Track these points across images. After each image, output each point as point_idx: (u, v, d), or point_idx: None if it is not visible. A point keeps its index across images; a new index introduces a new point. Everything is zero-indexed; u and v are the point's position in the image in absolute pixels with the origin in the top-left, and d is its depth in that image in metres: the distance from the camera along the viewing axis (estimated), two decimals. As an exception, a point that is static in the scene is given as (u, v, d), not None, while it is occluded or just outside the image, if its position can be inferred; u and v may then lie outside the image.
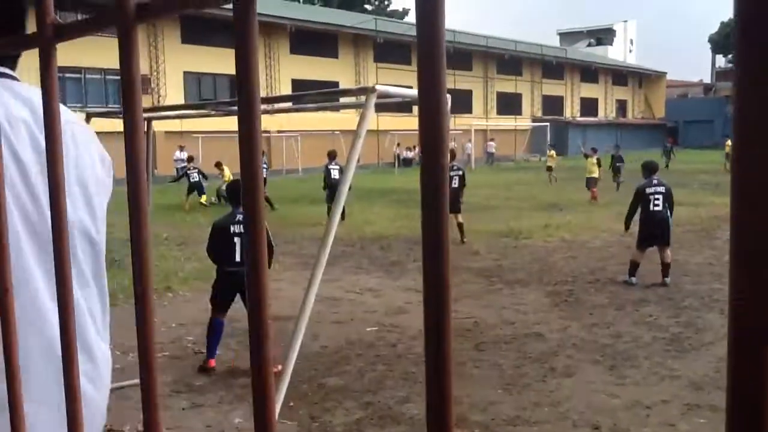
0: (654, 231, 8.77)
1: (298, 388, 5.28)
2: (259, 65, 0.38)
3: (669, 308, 7.66)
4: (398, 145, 36.32)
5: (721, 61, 79.29)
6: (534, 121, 48.11)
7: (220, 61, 30.77)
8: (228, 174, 18.32)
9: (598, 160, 18.89)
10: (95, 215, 1.30)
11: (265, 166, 18.48)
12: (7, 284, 0.58)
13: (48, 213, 1.18)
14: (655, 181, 8.91)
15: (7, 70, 1.26)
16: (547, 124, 46.18)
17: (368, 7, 62.91)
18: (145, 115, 5.98)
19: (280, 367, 3.81)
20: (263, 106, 6.00)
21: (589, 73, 55.82)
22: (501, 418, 4.80)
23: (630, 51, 76.68)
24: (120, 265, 8.99)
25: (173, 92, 30.62)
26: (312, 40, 35.77)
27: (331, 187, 13.62)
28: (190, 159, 20.62)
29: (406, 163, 36.43)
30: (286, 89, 33.87)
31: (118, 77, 0.44)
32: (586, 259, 10.64)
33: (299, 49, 35.46)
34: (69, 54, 24.58)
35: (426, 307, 0.33)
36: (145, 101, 28.46)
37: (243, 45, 0.37)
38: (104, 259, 1.35)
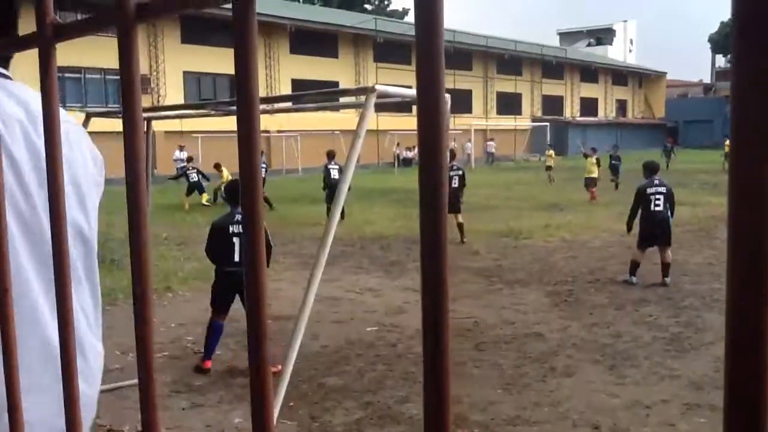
0: (655, 231, 8.77)
1: (298, 387, 5.28)
2: (258, 65, 0.38)
3: (669, 308, 7.66)
4: (398, 144, 36.33)
5: (721, 60, 79.27)
6: (534, 121, 48.11)
7: (220, 61, 30.78)
8: (226, 175, 18.32)
9: (597, 160, 18.88)
10: (88, 213, 1.31)
11: (264, 166, 18.46)
12: (6, 284, 0.58)
13: (41, 211, 1.20)
14: (656, 181, 8.91)
15: (1, 69, 1.26)
16: (547, 124, 46.19)
17: (368, 6, 62.93)
18: (145, 114, 5.98)
19: (279, 366, 3.81)
20: (263, 106, 6.00)
21: (589, 73, 55.82)
22: (501, 417, 4.81)
23: (630, 51, 76.70)
24: (119, 266, 8.99)
25: (173, 92, 30.62)
26: (312, 40, 35.78)
27: (331, 187, 13.60)
28: (189, 159, 20.63)
29: (406, 162, 36.43)
30: (286, 89, 33.87)
31: (118, 77, 0.44)
32: (586, 259, 10.64)
33: (299, 49, 35.46)
34: (69, 54, 24.59)
35: (424, 307, 0.33)
36: (145, 101, 28.46)
37: (242, 45, 0.37)
38: (96, 256, 1.36)
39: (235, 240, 5.75)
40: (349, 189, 4.75)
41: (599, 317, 7.35)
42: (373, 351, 6.33)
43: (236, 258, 5.77)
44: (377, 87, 3.86)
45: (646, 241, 8.91)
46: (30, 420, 0.67)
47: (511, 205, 18.04)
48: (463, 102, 41.54)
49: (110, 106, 27.17)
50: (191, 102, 24.64)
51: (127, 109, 0.44)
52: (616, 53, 71.33)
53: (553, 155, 26.66)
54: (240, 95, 0.37)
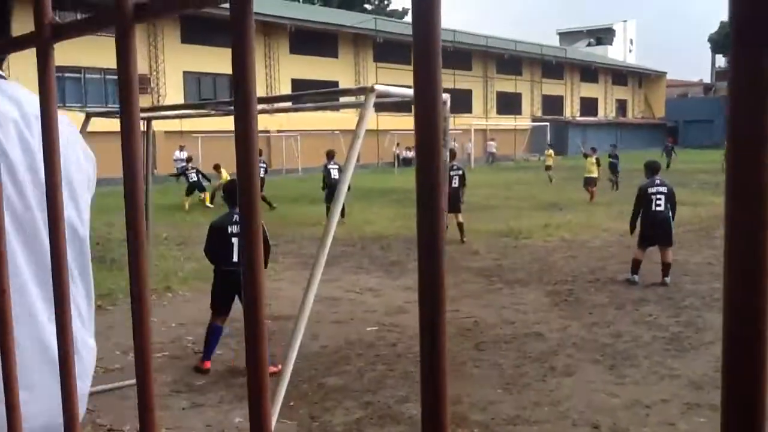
0: (656, 231, 8.78)
1: (298, 387, 5.29)
2: (255, 64, 0.38)
3: (669, 308, 7.66)
4: (398, 144, 36.33)
5: (721, 60, 79.25)
6: (534, 120, 48.11)
7: (220, 61, 30.77)
8: (225, 176, 18.33)
9: (597, 159, 18.89)
10: (81, 212, 1.32)
11: (263, 166, 18.43)
12: (5, 285, 0.58)
13: (35, 210, 1.20)
14: (657, 181, 8.91)
15: None
16: (547, 123, 46.19)
17: (368, 6, 62.93)
18: (145, 114, 5.99)
19: (279, 366, 3.81)
20: (263, 106, 6.00)
21: (589, 72, 55.82)
22: (501, 417, 4.81)
23: (630, 51, 76.69)
24: (119, 265, 8.99)
25: (173, 92, 30.62)
26: (312, 40, 35.78)
27: (331, 187, 13.58)
28: (188, 159, 20.66)
29: (406, 162, 36.42)
30: (286, 89, 33.87)
31: (117, 77, 0.44)
32: (586, 258, 10.64)
33: (299, 49, 35.47)
34: (69, 54, 24.58)
35: (421, 306, 0.33)
36: (145, 101, 28.50)
37: (240, 44, 0.37)
38: (89, 254, 1.37)
39: (234, 240, 5.75)
40: (349, 189, 4.75)
41: (599, 317, 7.35)
42: (373, 351, 6.33)
43: (235, 258, 5.77)
44: (376, 87, 3.86)
45: (647, 241, 8.92)
46: (25, 416, 0.67)
47: (511, 204, 18.04)
48: (463, 102, 41.54)
49: (110, 106, 27.15)
50: (191, 102, 24.64)
51: (125, 109, 0.44)
52: (616, 53, 71.33)
53: (553, 155, 26.69)
54: (237, 94, 0.37)
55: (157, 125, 8.87)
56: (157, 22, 29.59)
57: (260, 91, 31.79)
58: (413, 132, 0.33)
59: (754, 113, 0.26)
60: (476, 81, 45.28)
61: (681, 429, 4.60)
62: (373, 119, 30.05)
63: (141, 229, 0.44)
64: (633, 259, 8.98)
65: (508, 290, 8.67)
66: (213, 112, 5.96)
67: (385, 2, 66.92)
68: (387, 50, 38.15)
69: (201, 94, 31.74)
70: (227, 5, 0.37)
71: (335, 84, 35.50)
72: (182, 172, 19.55)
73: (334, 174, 14.14)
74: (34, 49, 0.54)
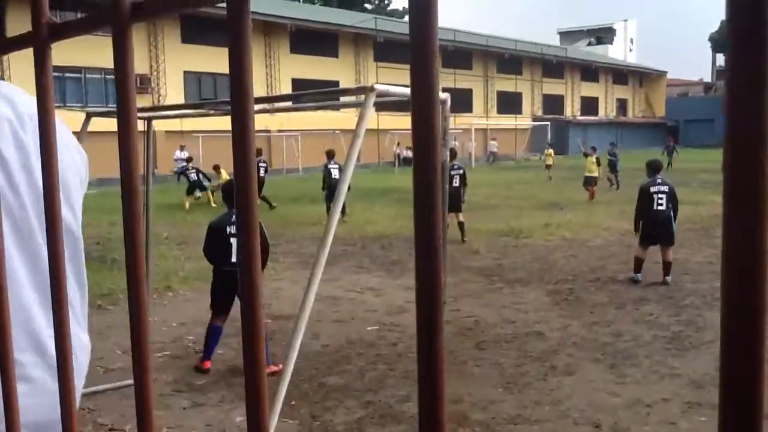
0: (657, 230, 8.78)
1: (299, 387, 5.29)
2: (252, 64, 0.38)
3: (669, 307, 7.66)
4: (398, 144, 36.34)
5: (721, 59, 79.12)
6: (534, 120, 48.10)
7: (221, 61, 30.73)
8: (225, 176, 18.35)
9: (597, 159, 18.89)
10: (74, 209, 1.34)
11: (263, 165, 18.42)
12: (2, 282, 0.58)
13: (29, 209, 1.21)
14: (659, 180, 8.91)
15: None
16: (548, 123, 46.18)
17: (368, 6, 62.93)
18: (146, 114, 5.99)
19: (280, 366, 3.81)
20: (264, 106, 6.00)
21: (590, 72, 55.79)
22: (502, 416, 4.81)
23: (630, 50, 76.63)
24: (119, 265, 9.00)
25: (173, 92, 30.63)
26: (312, 40, 35.78)
27: (331, 187, 13.57)
28: (189, 159, 20.72)
29: (407, 162, 36.36)
30: (287, 88, 33.87)
31: (114, 76, 0.44)
32: (586, 257, 10.64)
33: (299, 49, 35.46)
34: (69, 53, 24.60)
35: (418, 306, 0.33)
36: (146, 101, 28.51)
37: (237, 43, 0.37)
38: (83, 251, 1.38)
39: (233, 240, 5.73)
40: (349, 189, 4.75)
41: (600, 316, 7.34)
42: (373, 350, 6.33)
43: (234, 258, 5.75)
44: (377, 86, 3.86)
45: (648, 240, 8.93)
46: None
47: (512, 204, 18.04)
48: (463, 101, 41.54)
49: (110, 105, 27.14)
50: (191, 102, 24.65)
51: (122, 109, 0.44)
52: (616, 52, 71.28)
53: (553, 154, 26.72)
54: (234, 93, 0.37)
55: (158, 125, 8.87)
56: (158, 21, 29.63)
57: (261, 91, 31.79)
58: (413, 131, 0.33)
59: (752, 112, 0.26)
60: (477, 80, 45.27)
61: (682, 428, 4.60)
62: (374, 119, 30.05)
63: (138, 229, 0.44)
64: (635, 258, 8.99)
65: (509, 289, 8.67)
66: (213, 111, 5.96)
67: (386, 2, 66.93)
68: (387, 50, 38.15)
69: (201, 93, 31.75)
70: (224, 5, 0.37)
71: (336, 83, 35.50)
72: (182, 172, 19.59)
73: (335, 174, 14.12)
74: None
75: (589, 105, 55.97)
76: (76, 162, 1.37)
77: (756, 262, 0.26)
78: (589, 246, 11.66)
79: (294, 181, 26.95)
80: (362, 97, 4.14)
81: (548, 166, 25.81)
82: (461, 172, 12.27)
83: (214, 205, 18.07)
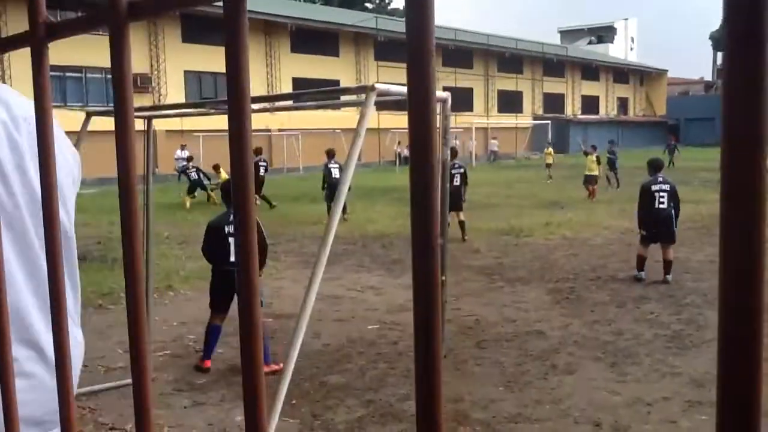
0: (659, 228, 8.78)
1: (299, 386, 5.29)
2: (254, 63, 0.38)
3: (670, 305, 7.66)
4: (399, 143, 36.35)
5: (722, 58, 79.03)
6: (535, 119, 48.07)
7: (221, 60, 30.08)
8: (224, 175, 18.36)
9: (597, 158, 18.89)
10: (68, 208, 1.36)
11: (264, 164, 18.41)
12: (0, 283, 0.58)
13: (23, 209, 1.22)
14: (660, 179, 8.92)
15: None
16: (548, 122, 46.15)
17: (369, 5, 62.89)
18: (146, 113, 5.99)
19: (281, 365, 3.81)
20: (265, 105, 5.99)
21: (590, 70, 55.75)
22: (502, 415, 4.81)
23: (631, 49, 76.55)
24: (120, 265, 8.99)
25: (174, 91, 30.63)
26: (313, 39, 35.77)
27: (332, 187, 13.57)
28: (189, 159, 20.77)
29: (408, 161, 36.17)
30: (287, 88, 33.87)
31: (112, 76, 0.44)
32: (587, 256, 10.63)
33: (300, 48, 35.46)
34: (70, 53, 24.57)
35: (415, 305, 0.32)
36: (146, 100, 28.50)
37: (233, 42, 0.37)
38: (75, 250, 1.40)
39: (231, 240, 5.71)
40: (350, 189, 4.74)
41: (600, 315, 7.34)
42: (374, 349, 6.33)
43: (232, 258, 5.73)
44: (377, 85, 3.86)
45: (649, 238, 8.93)
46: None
47: (512, 203, 18.04)
48: (464, 100, 41.52)
49: (111, 105, 27.03)
50: (191, 101, 24.65)
51: (119, 108, 0.43)
52: (617, 51, 71.22)
53: (552, 153, 26.71)
54: (231, 92, 0.37)
55: (158, 124, 8.87)
56: (158, 21, 29.62)
57: (261, 90, 31.76)
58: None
59: (749, 114, 0.26)
60: (477, 79, 45.25)
61: (682, 426, 4.60)
62: (374, 118, 30.03)
63: (136, 229, 0.44)
64: (638, 256, 9.00)
65: (510, 288, 8.67)
66: (212, 111, 5.95)
67: (386, 1, 66.88)
68: (388, 49, 38.12)
69: (202, 93, 31.75)
70: (220, 3, 0.37)
71: (336, 83, 35.49)
72: (183, 171, 19.62)
73: (335, 173, 14.11)
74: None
75: (590, 104, 55.93)
76: (69, 162, 1.39)
77: (753, 263, 0.26)
78: (590, 245, 11.66)
79: (294, 180, 26.96)
80: (363, 96, 4.14)
81: (548, 165, 25.76)
82: (462, 171, 12.27)
83: (218, 203, 18.08)
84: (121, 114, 0.43)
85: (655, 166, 9.13)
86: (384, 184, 23.88)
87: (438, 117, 4.78)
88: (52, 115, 0.52)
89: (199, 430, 4.73)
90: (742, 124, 0.26)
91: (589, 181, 18.74)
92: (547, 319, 7.20)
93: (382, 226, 14.06)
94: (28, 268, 1.24)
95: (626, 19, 78.25)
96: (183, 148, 25.74)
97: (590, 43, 73.16)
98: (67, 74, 27.76)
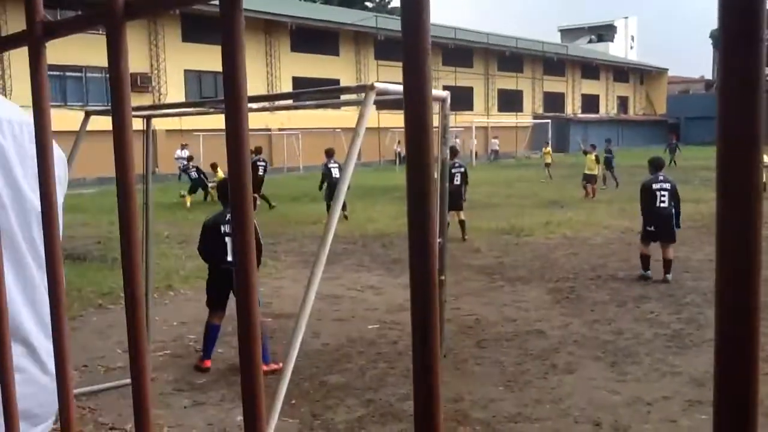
0: (659, 227, 8.78)
1: (299, 385, 5.29)
2: (246, 61, 0.38)
3: (670, 305, 7.65)
4: (399, 142, 36.34)
5: (722, 57, 78.89)
6: (535, 117, 48.06)
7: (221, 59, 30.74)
8: (221, 174, 18.35)
9: (596, 157, 18.88)
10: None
11: (263, 164, 18.39)
12: (1, 284, 0.58)
13: (9, 209, 1.23)
14: (661, 178, 8.92)
15: None
16: (549, 120, 46.15)
17: (369, 4, 62.86)
18: (146, 113, 5.98)
19: (281, 364, 3.81)
20: (264, 104, 5.99)
21: (590, 69, 55.74)
22: (502, 415, 4.81)
23: (631, 47, 76.53)
24: (120, 264, 8.99)
25: (174, 90, 30.63)
26: (313, 38, 35.77)
27: (332, 186, 13.54)
28: (189, 159, 20.79)
29: (407, 160, 36.35)
30: (287, 87, 33.87)
31: (109, 75, 0.44)
32: (587, 255, 10.63)
33: (300, 47, 35.46)
34: (70, 53, 24.56)
35: (413, 305, 0.32)
36: (146, 99, 28.49)
37: (229, 41, 0.37)
38: (60, 247, 1.41)
39: (228, 239, 5.69)
40: (349, 188, 4.73)
41: (600, 314, 7.34)
42: (374, 349, 6.33)
43: (229, 257, 5.70)
44: (377, 84, 3.86)
45: (650, 237, 8.94)
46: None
47: (513, 202, 18.04)
48: (464, 99, 41.53)
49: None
50: (191, 101, 24.65)
51: (116, 107, 0.43)
52: (617, 50, 71.21)
53: (551, 152, 26.69)
54: (227, 91, 0.37)
55: (158, 123, 8.87)
56: (158, 20, 29.61)
57: (261, 89, 31.75)
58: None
59: (744, 114, 0.26)
60: (477, 78, 45.25)
61: (683, 426, 4.60)
62: (374, 117, 30.04)
63: (134, 228, 0.44)
64: (641, 256, 9.00)
65: (510, 288, 8.67)
66: (212, 110, 5.95)
67: (386, 0, 66.84)
68: (388, 48, 38.12)
69: (202, 92, 31.76)
70: (216, 2, 0.37)
71: (336, 82, 35.49)
72: (184, 170, 19.64)
73: (335, 173, 14.09)
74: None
75: (590, 102, 55.92)
76: (56, 164, 1.39)
77: (749, 263, 0.26)
78: (590, 244, 11.66)
79: (294, 179, 26.96)
80: (362, 95, 4.13)
81: (547, 165, 25.68)
82: (462, 170, 12.26)
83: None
84: (119, 113, 0.43)
85: (656, 165, 9.13)
86: (384, 183, 23.88)
87: (437, 116, 4.78)
88: (50, 114, 0.52)
89: (199, 430, 4.73)
90: (738, 123, 0.26)
91: (588, 180, 18.73)
92: (547, 319, 7.20)
93: (382, 225, 14.06)
94: (14, 268, 1.25)
95: (626, 17, 78.23)
96: (183, 147, 25.73)
97: (590, 41, 73.13)
98: (67, 74, 27.76)
